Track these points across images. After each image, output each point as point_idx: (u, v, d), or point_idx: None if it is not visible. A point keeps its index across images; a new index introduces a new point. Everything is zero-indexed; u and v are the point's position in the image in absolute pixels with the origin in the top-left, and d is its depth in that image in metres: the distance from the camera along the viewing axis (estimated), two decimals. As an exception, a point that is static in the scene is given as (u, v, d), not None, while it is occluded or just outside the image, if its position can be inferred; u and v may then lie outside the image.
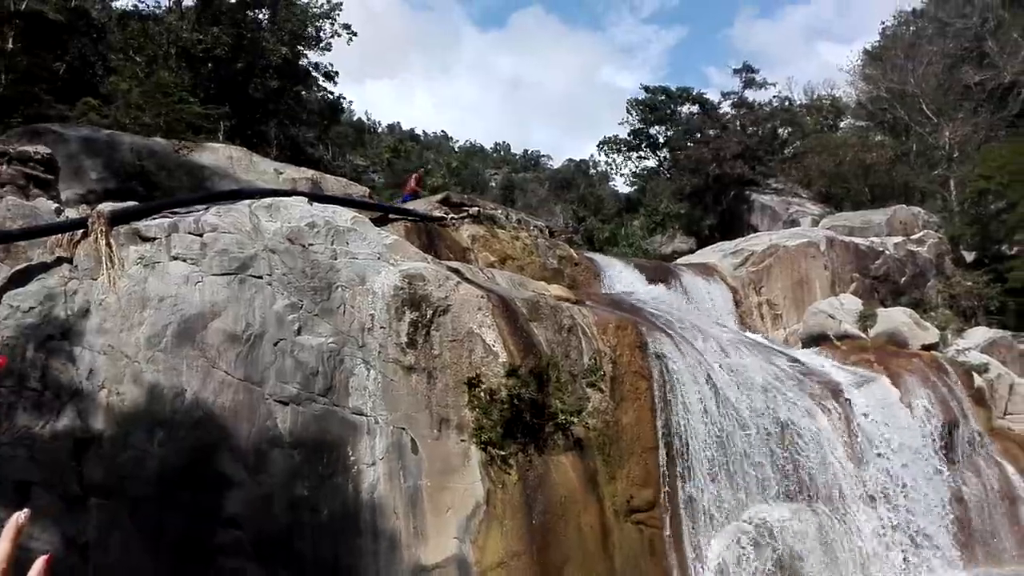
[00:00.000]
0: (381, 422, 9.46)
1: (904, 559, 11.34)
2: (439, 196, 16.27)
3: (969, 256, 21.35)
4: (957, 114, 25.53)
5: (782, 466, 11.62)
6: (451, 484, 9.41)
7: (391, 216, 14.13)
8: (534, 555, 9.29)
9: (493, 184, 44.37)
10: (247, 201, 10.80)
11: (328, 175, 15.46)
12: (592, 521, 9.97)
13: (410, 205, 15.80)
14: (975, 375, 14.93)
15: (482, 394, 9.93)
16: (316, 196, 12.20)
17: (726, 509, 11.03)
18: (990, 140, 24.49)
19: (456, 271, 11.44)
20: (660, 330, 12.14)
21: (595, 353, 11.09)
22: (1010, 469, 13.35)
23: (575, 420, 10.40)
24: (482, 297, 10.50)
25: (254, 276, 9.63)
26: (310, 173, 14.44)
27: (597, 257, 16.52)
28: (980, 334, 17.61)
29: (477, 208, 15.62)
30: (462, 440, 9.70)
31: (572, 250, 15.98)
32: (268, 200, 10.83)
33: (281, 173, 13.95)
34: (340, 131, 31.77)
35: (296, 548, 8.41)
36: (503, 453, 9.76)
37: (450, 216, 15.06)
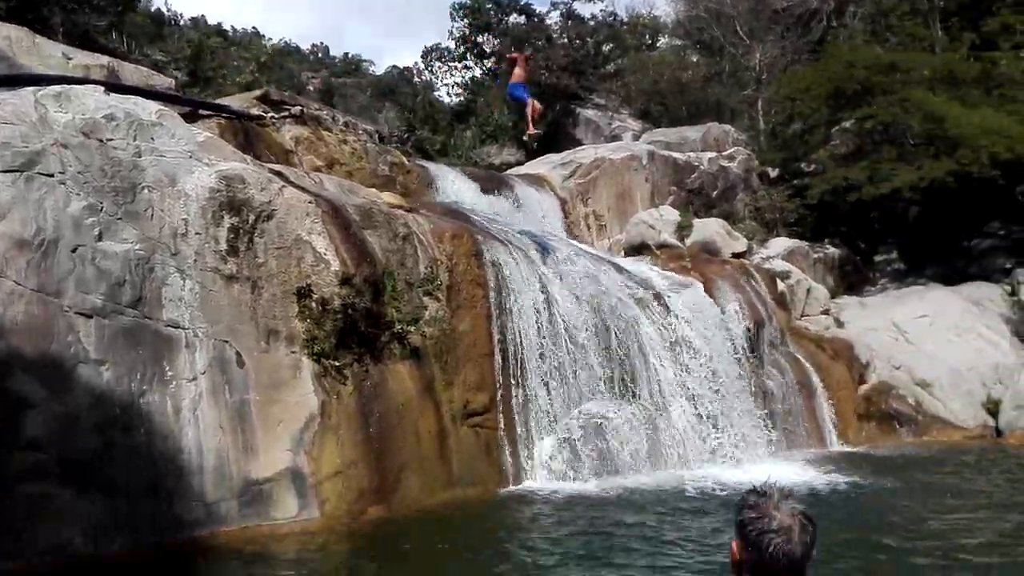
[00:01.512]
0: (201, 335, 8.78)
1: (718, 448, 12.29)
2: (257, 92, 15.02)
3: (773, 172, 22.89)
4: (767, 37, 26.90)
5: (608, 367, 12.11)
6: (282, 397, 8.99)
7: (202, 112, 12.88)
8: (372, 463, 9.17)
9: (311, 88, 42.03)
10: (31, 88, 9.39)
11: (127, 63, 13.75)
12: (429, 426, 9.95)
13: (227, 101, 14.39)
14: (778, 281, 16.21)
15: (313, 304, 9.49)
16: (115, 86, 10.84)
17: (557, 408, 11.40)
18: (795, 64, 26.10)
19: (280, 174, 10.69)
20: (495, 239, 12.10)
21: (431, 262, 10.88)
22: (806, 364, 14.76)
23: (412, 329, 10.23)
24: (311, 202, 9.93)
25: (43, 174, 8.42)
26: (105, 60, 12.71)
27: (430, 165, 16.08)
28: (781, 244, 19.09)
29: (300, 107, 14.60)
30: (293, 352, 9.27)
31: (404, 157, 15.43)
32: (57, 88, 9.47)
33: (71, 59, 12.19)
34: (136, 21, 28.43)
35: (109, 470, 7.70)
36: (337, 364, 9.45)
37: (270, 115, 13.98)
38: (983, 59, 20.94)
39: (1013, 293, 18.14)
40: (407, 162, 15.19)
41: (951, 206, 19.91)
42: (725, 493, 9.89)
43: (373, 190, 12.58)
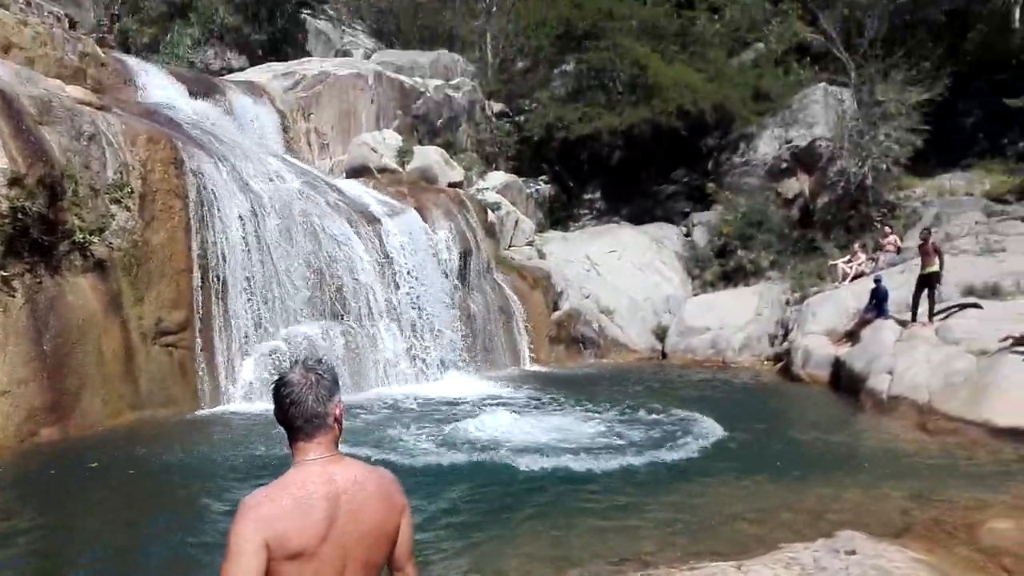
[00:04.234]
0: None
1: (422, 368, 12.93)
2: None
3: (497, 107, 23.77)
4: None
5: (317, 287, 12.13)
6: (-69, 308, 7.98)
7: None
8: (44, 382, 8.50)
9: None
10: None
11: None
12: (115, 344, 9.39)
13: None
14: (489, 212, 17.08)
15: (-26, 205, 8.45)
16: None
17: (262, 329, 11.25)
18: (524, -1, 27.00)
19: (-66, 52, 9.21)
20: (200, 147, 11.44)
21: (122, 166, 10.07)
22: (508, 291, 15.84)
23: (96, 240, 9.49)
24: (-29, 88, 8.70)
25: None
26: None
27: (129, 60, 14.48)
28: (499, 177, 20.05)
29: (-34, -24, 12.46)
30: (-52, 258, 8.22)
31: (99, 48, 13.78)
32: None
33: None
34: None
35: None
36: (5, 274, 8.59)
37: (-75, -19, 11.81)
38: (684, 16, 23.18)
39: (688, 234, 20.84)
40: (102, 54, 13.62)
41: (647, 152, 22.18)
42: (424, 407, 10.54)
43: (57, 82, 11.20)
